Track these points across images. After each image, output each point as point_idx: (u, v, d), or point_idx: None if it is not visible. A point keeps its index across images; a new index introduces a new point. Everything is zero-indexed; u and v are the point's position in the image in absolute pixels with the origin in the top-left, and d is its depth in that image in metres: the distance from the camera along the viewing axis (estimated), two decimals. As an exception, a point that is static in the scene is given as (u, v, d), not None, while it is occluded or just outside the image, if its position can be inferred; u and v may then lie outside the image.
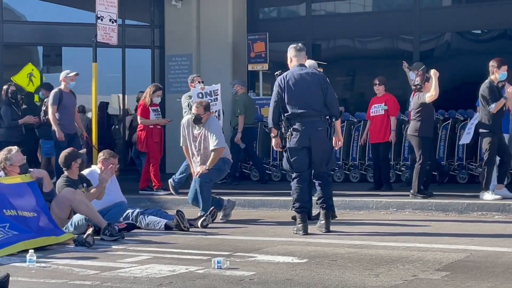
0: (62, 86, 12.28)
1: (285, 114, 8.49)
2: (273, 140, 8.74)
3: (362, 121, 13.57)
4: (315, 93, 8.54)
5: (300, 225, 8.47)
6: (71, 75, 12.28)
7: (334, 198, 10.85)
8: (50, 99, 12.20)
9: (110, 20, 12.76)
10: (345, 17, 16.49)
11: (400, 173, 13.33)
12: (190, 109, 11.02)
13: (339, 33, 16.20)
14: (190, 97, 12.13)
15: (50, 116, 12.14)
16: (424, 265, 6.51)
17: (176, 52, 16.30)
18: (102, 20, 12.61)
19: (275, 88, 8.53)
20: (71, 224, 8.47)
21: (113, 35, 12.84)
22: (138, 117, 12.42)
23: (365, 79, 16.59)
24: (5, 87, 13.07)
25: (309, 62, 9.50)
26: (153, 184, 12.25)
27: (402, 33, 15.76)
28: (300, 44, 8.83)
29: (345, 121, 13.61)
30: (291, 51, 8.72)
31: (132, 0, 16.80)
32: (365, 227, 9.14)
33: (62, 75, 12.37)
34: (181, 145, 10.07)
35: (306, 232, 8.40)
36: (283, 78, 8.53)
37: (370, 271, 6.31)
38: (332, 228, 8.71)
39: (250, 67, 15.67)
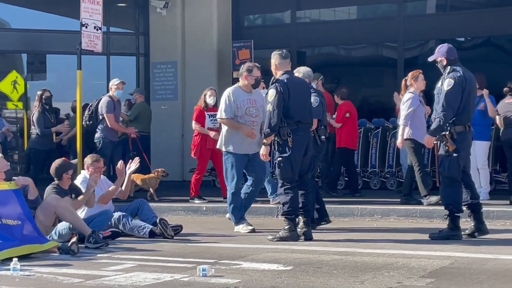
0: (111, 94, 12.30)
1: (287, 121, 8.45)
2: (265, 149, 8.61)
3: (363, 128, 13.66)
4: (309, 101, 8.80)
5: (293, 231, 8.47)
6: (116, 83, 12.28)
7: (317, 206, 10.92)
8: (104, 108, 12.15)
9: (94, 27, 12.74)
10: (330, 24, 16.56)
11: (385, 180, 13.39)
12: None
13: (324, 40, 16.25)
14: None
15: (113, 124, 12.11)
16: (409, 272, 6.52)
17: (161, 59, 16.30)
18: (86, 27, 12.60)
19: (278, 95, 8.39)
20: (55, 233, 8.41)
21: (97, 42, 12.82)
22: (193, 122, 11.97)
23: (350, 86, 16.63)
24: (39, 92, 12.89)
25: (304, 69, 9.57)
26: (191, 191, 12.04)
27: (386, 41, 15.83)
28: (284, 51, 8.83)
29: (362, 128, 13.61)
30: (276, 58, 8.72)
31: (117, 7, 16.82)
32: (350, 234, 9.15)
33: (110, 83, 12.45)
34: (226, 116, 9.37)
35: (298, 240, 8.46)
36: (285, 85, 8.50)
37: (355, 278, 6.32)
38: (317, 235, 8.72)
39: (235, 74, 15.66)
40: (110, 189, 9.25)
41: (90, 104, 12.67)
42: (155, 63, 16.41)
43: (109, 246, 8.25)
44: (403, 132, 10.84)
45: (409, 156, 11.09)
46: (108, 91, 14.25)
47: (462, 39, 15.61)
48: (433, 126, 8.34)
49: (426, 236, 8.52)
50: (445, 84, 8.37)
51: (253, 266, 6.97)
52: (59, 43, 16.05)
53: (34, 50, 16.80)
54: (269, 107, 8.47)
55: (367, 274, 6.47)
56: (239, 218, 9.33)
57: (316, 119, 9.27)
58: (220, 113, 9.31)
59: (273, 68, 8.75)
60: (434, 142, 8.52)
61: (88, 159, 9.43)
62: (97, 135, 12.27)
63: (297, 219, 8.57)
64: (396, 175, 13.20)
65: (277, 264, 6.99)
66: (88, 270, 6.88)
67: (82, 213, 8.89)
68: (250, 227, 9.25)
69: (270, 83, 8.68)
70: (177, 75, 16.14)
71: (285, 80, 8.53)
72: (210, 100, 11.89)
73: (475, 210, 8.55)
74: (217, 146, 9.62)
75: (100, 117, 12.26)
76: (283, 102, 8.41)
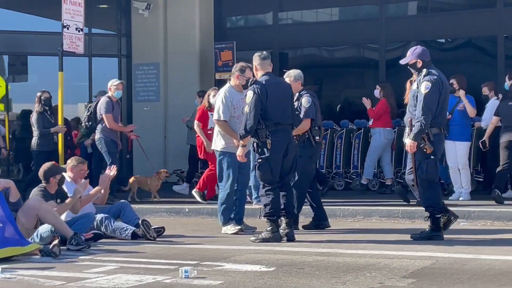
0: (110, 94, 12.21)
1: (265, 122, 8.46)
2: (241, 150, 8.66)
3: (330, 130, 13.69)
4: (289, 102, 8.72)
5: (276, 233, 8.48)
6: (116, 84, 12.20)
7: (303, 206, 10.94)
8: (102, 109, 12.08)
9: (76, 29, 12.70)
10: (312, 26, 16.59)
11: (351, 181, 13.50)
12: None
13: (306, 41, 16.28)
14: None
15: (111, 124, 12.00)
16: (390, 273, 6.55)
17: (143, 61, 16.26)
18: (68, 29, 12.55)
19: (255, 96, 8.41)
20: (37, 235, 8.37)
21: (79, 44, 12.78)
22: (195, 122, 11.88)
23: (332, 87, 16.70)
24: (38, 93, 12.80)
25: (295, 72, 9.60)
26: (198, 185, 11.96)
27: (368, 42, 15.88)
28: (264, 52, 8.82)
29: (329, 129, 13.66)
30: (256, 60, 8.72)
31: (98, 9, 16.77)
32: (333, 235, 9.17)
33: (109, 84, 12.33)
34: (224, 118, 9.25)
35: (280, 241, 8.47)
36: (263, 86, 8.51)
37: (337, 279, 6.34)
38: (299, 236, 8.74)
39: (217, 76, 15.67)
40: (90, 192, 9.22)
41: (89, 105, 12.58)
42: (137, 64, 16.37)
43: (91, 248, 8.23)
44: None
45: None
46: (90, 92, 14.32)
47: (443, 40, 15.69)
48: (415, 130, 8.27)
49: (408, 237, 8.56)
50: (423, 87, 8.31)
51: (236, 267, 6.98)
52: (41, 44, 15.98)
53: (16, 52, 16.72)
54: (246, 109, 8.48)
55: (349, 274, 6.50)
56: (228, 219, 9.31)
57: (309, 119, 9.30)
58: (218, 115, 9.17)
59: (254, 70, 8.77)
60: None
61: (71, 161, 9.40)
62: (97, 136, 12.20)
63: (279, 220, 8.59)
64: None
65: (259, 265, 7.00)
66: (69, 273, 6.86)
67: (64, 215, 8.86)
68: (238, 227, 9.24)
69: (249, 84, 8.70)
70: (159, 77, 16.11)
71: (264, 82, 8.54)
72: (214, 101, 11.82)
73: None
74: (212, 147, 9.58)
75: (99, 117, 12.20)
76: (261, 104, 8.42)
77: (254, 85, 8.54)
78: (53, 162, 9.52)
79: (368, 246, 8.14)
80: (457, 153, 11.44)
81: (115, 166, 9.71)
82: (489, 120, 11.69)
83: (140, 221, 8.99)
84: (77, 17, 12.70)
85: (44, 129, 12.65)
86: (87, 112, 12.51)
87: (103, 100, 12.21)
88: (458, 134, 11.42)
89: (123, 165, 14.31)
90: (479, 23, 14.53)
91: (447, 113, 11.41)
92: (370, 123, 12.92)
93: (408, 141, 8.36)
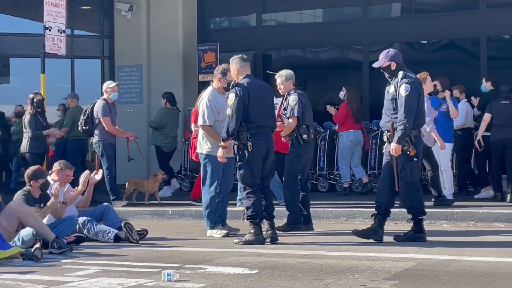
0: (105, 97, 12.11)
1: (247, 125, 8.45)
2: (221, 151, 8.63)
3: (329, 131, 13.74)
4: (270, 105, 8.77)
5: (259, 235, 8.47)
6: (112, 86, 12.10)
7: (285, 208, 10.94)
8: (99, 112, 11.97)
9: (58, 30, 12.65)
10: (296, 27, 16.61)
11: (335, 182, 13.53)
12: None
13: (290, 43, 16.29)
14: None
15: (110, 128, 11.95)
16: (373, 274, 6.55)
17: (126, 62, 16.21)
18: (50, 30, 12.50)
19: (237, 99, 8.39)
20: (18, 239, 8.32)
21: (61, 45, 12.73)
22: (192, 125, 11.58)
23: (316, 89, 16.70)
24: (31, 96, 12.65)
25: (286, 72, 9.64)
26: (193, 193, 11.87)
27: (352, 43, 15.92)
28: (244, 55, 8.82)
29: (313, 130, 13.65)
30: (236, 62, 8.69)
31: (81, 10, 16.70)
32: (316, 237, 9.17)
33: (104, 86, 12.22)
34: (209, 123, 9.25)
35: (264, 243, 8.48)
36: (245, 89, 8.49)
37: (320, 281, 6.34)
38: (282, 238, 8.74)
39: (200, 78, 15.64)
40: (48, 204, 9.05)
41: (85, 109, 12.47)
42: (120, 66, 16.32)
43: (73, 251, 8.19)
44: (438, 136, 10.79)
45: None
46: (73, 93, 14.19)
47: (426, 42, 15.75)
48: (399, 133, 8.24)
49: (391, 238, 8.57)
50: (402, 89, 8.27)
51: (219, 270, 6.96)
52: (23, 46, 15.90)
53: (-3, 54, 16.64)
54: (228, 111, 8.47)
55: (332, 277, 6.50)
56: (213, 222, 9.27)
57: (295, 117, 9.28)
58: (203, 119, 9.12)
59: (234, 72, 8.72)
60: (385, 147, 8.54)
61: (58, 165, 9.33)
62: (95, 139, 12.12)
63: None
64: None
65: (242, 268, 6.99)
66: (51, 276, 6.82)
67: (46, 218, 8.80)
68: (225, 231, 9.21)
69: (231, 87, 8.68)
70: (143, 78, 16.07)
71: (246, 84, 8.53)
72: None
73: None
74: (197, 150, 9.54)
75: (96, 121, 12.10)
76: (243, 106, 8.41)
77: (236, 88, 8.51)
78: (39, 166, 9.47)
79: (351, 248, 8.14)
80: (439, 155, 11.47)
81: (101, 170, 9.65)
82: (459, 121, 11.86)
83: (122, 224, 8.94)
84: (59, 19, 12.66)
85: (37, 131, 12.51)
86: (83, 116, 12.34)
87: (99, 103, 12.09)
88: (440, 135, 11.44)
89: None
90: (462, 24, 14.60)
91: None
92: (337, 127, 13.22)
93: (392, 145, 8.33)
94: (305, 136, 9.38)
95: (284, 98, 9.67)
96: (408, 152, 8.31)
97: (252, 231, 8.52)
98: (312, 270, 6.86)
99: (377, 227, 8.53)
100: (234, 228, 9.40)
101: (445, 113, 11.50)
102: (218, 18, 17.40)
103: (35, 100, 12.58)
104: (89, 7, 17.27)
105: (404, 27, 15.31)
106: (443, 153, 11.47)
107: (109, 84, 12.21)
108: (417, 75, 10.96)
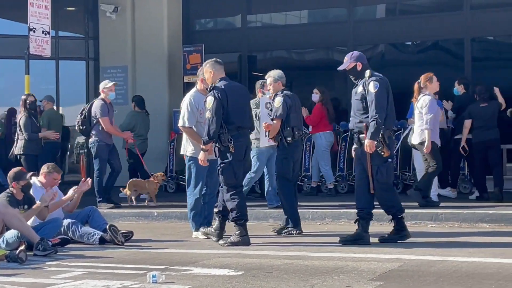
0: (103, 97, 12.01)
1: (228, 127, 8.47)
2: (202, 154, 8.63)
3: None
4: (247, 106, 8.84)
5: (245, 236, 8.51)
6: (109, 86, 12.00)
7: (272, 210, 10.97)
8: (98, 112, 11.87)
9: (43, 32, 12.61)
10: (281, 28, 16.61)
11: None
12: (258, 119, 10.80)
13: (275, 44, 16.29)
14: (257, 105, 11.20)
15: (108, 128, 11.84)
16: (358, 275, 6.57)
17: (111, 64, 16.16)
18: (34, 32, 12.45)
19: (216, 101, 8.41)
20: (3, 241, 8.28)
21: (46, 47, 12.69)
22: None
23: (301, 90, 16.68)
24: (23, 97, 12.52)
25: (275, 72, 9.68)
26: None
27: (337, 45, 15.93)
28: (217, 58, 8.87)
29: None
30: (210, 65, 8.72)
31: (65, 11, 16.64)
32: (301, 238, 9.18)
33: (101, 86, 12.12)
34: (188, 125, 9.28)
35: (249, 244, 8.53)
36: (223, 91, 8.51)
37: (305, 282, 6.35)
38: (268, 240, 8.75)
39: (186, 79, 15.61)
40: (34, 207, 9.01)
41: (82, 108, 12.41)
42: (105, 67, 16.27)
43: (58, 253, 8.17)
44: (430, 137, 10.76)
45: (427, 159, 10.97)
46: (58, 96, 14.16)
47: (411, 43, 15.80)
48: (371, 129, 8.20)
49: (375, 239, 8.59)
50: (371, 86, 8.26)
51: (204, 271, 6.96)
52: (7, 47, 15.79)
53: (-19, 55, 16.54)
54: (208, 114, 8.49)
55: (317, 278, 6.51)
56: (199, 224, 9.26)
57: (279, 119, 9.30)
58: (183, 121, 9.13)
59: (208, 76, 8.73)
60: (353, 150, 8.50)
61: (46, 168, 9.28)
62: (91, 139, 12.04)
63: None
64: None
65: (228, 269, 6.99)
66: (36, 279, 6.79)
67: (30, 220, 8.76)
68: None
69: (208, 90, 8.69)
70: (128, 80, 16.03)
71: (223, 86, 8.57)
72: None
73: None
74: (181, 152, 9.54)
75: (94, 121, 12.03)
76: (222, 109, 8.45)
77: (214, 91, 8.56)
78: (21, 167, 9.43)
79: (336, 249, 8.15)
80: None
81: (90, 179, 9.59)
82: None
83: (107, 226, 8.92)
84: (44, 20, 12.61)
85: (33, 134, 12.41)
86: (81, 115, 12.24)
87: (97, 103, 11.99)
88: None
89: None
90: (446, 26, 14.65)
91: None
92: (310, 129, 13.09)
93: (366, 141, 8.28)
94: (289, 138, 9.36)
95: (272, 99, 9.69)
96: (382, 153, 8.25)
97: (237, 232, 8.54)
98: (298, 271, 6.87)
99: (362, 232, 8.51)
100: None
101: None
102: (203, 19, 17.38)
103: (27, 101, 12.46)
104: (73, 8, 17.21)
105: (389, 28, 15.35)
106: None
107: (106, 84, 12.12)
108: (422, 75, 11.10)
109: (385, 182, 8.38)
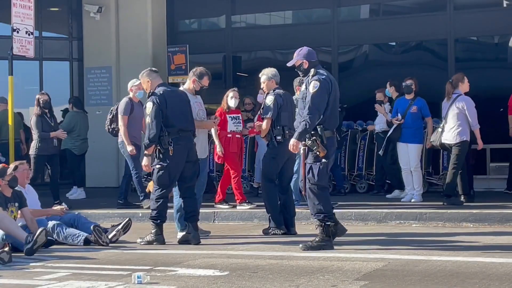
0: (131, 96, 11.82)
1: (168, 130, 8.59)
2: (146, 159, 8.74)
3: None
4: (188, 109, 8.88)
5: (159, 235, 8.77)
6: (137, 84, 11.63)
7: (256, 210, 10.95)
8: (120, 109, 11.65)
9: (26, 32, 12.54)
10: (265, 29, 16.63)
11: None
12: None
13: (259, 45, 16.32)
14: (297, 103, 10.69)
15: (121, 127, 11.58)
16: (343, 275, 6.59)
17: (95, 64, 16.13)
18: (18, 32, 12.38)
19: (155, 106, 8.58)
20: (-13, 243, 8.26)
21: (29, 47, 12.62)
22: (213, 130, 11.22)
23: (285, 90, 16.72)
24: (37, 96, 12.40)
25: (269, 70, 9.75)
26: (236, 198, 11.38)
27: (321, 45, 15.94)
28: (152, 67, 9.24)
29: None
30: (147, 75, 8.89)
31: (49, 12, 16.57)
32: (287, 238, 9.18)
33: (129, 84, 11.94)
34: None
35: (164, 243, 8.75)
36: (162, 96, 8.65)
37: (290, 282, 6.36)
38: (253, 239, 8.74)
39: (170, 79, 15.60)
40: (44, 212, 9.25)
41: (111, 108, 12.25)
42: (89, 68, 16.23)
43: (42, 254, 8.12)
44: (479, 136, 10.75)
45: (456, 158, 10.81)
46: (2, 97, 14.00)
47: (394, 43, 15.86)
48: (299, 130, 7.97)
49: (360, 239, 8.62)
50: (311, 86, 8.03)
51: (189, 272, 6.96)
52: (-10, 48, 15.73)
53: (-36, 56, 16.44)
54: (148, 119, 8.66)
55: (302, 278, 6.52)
56: (184, 225, 9.25)
57: (269, 118, 9.29)
58: None
59: (147, 85, 8.88)
60: (302, 147, 8.11)
61: (11, 168, 9.19)
62: (119, 139, 11.83)
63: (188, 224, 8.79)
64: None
65: (213, 270, 6.99)
66: (20, 280, 6.76)
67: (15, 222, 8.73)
68: None
69: (147, 97, 8.87)
70: (112, 80, 15.99)
71: (161, 92, 8.73)
72: (232, 102, 11.41)
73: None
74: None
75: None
76: (161, 113, 8.59)
77: (152, 96, 8.73)
78: (3, 164, 9.41)
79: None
80: (409, 155, 11.56)
81: (64, 208, 9.56)
82: (378, 124, 12.31)
83: (92, 226, 8.91)
84: (27, 21, 12.54)
85: (44, 133, 12.24)
86: (110, 115, 12.10)
87: (123, 101, 11.77)
88: (410, 136, 11.54)
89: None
90: (430, 26, 14.72)
91: (400, 116, 11.62)
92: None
93: (292, 141, 8.10)
94: (279, 137, 9.33)
95: (264, 97, 9.70)
96: (318, 153, 7.97)
97: (153, 231, 8.80)
98: (283, 271, 6.87)
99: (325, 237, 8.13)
100: (204, 231, 9.39)
101: (415, 114, 11.58)
102: (188, 20, 17.38)
103: (41, 100, 12.31)
104: (57, 9, 17.15)
105: (372, 29, 15.40)
106: (414, 154, 11.57)
107: (134, 82, 11.84)
108: (453, 76, 11.07)
109: (315, 183, 7.99)
